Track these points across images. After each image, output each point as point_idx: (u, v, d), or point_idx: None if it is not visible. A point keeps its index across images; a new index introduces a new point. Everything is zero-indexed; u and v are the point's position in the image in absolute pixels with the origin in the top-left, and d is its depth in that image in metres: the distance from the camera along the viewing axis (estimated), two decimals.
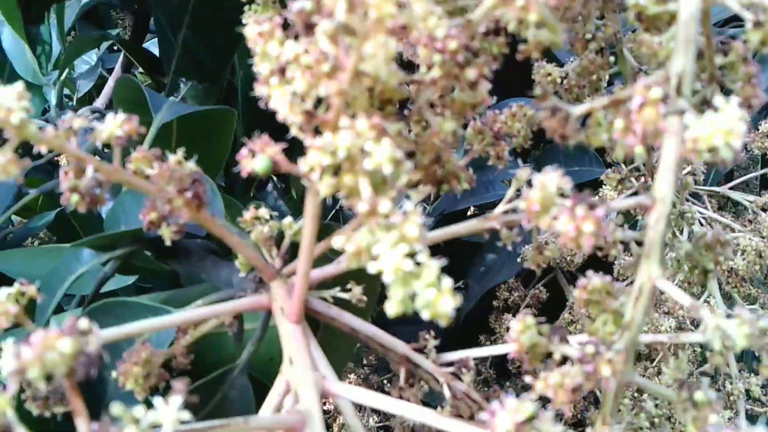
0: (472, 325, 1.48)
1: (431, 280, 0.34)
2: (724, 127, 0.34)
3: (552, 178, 0.41)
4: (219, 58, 1.31)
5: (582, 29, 0.72)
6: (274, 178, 2.09)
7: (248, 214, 0.60)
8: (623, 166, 0.97)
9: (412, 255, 0.35)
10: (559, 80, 0.74)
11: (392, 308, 0.35)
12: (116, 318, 0.60)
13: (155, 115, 0.81)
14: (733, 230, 1.12)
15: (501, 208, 0.55)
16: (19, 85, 0.41)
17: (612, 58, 0.73)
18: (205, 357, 0.60)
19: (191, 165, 0.50)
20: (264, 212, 0.61)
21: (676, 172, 0.39)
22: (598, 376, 0.40)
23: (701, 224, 1.16)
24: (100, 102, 1.68)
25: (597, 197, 1.20)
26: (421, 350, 0.58)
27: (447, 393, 0.56)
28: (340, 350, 0.65)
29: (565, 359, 0.45)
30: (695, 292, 1.08)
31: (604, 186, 1.14)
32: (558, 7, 0.38)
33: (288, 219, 0.61)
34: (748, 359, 1.37)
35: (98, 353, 0.31)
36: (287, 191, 2.01)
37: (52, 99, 1.17)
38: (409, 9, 0.34)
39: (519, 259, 1.26)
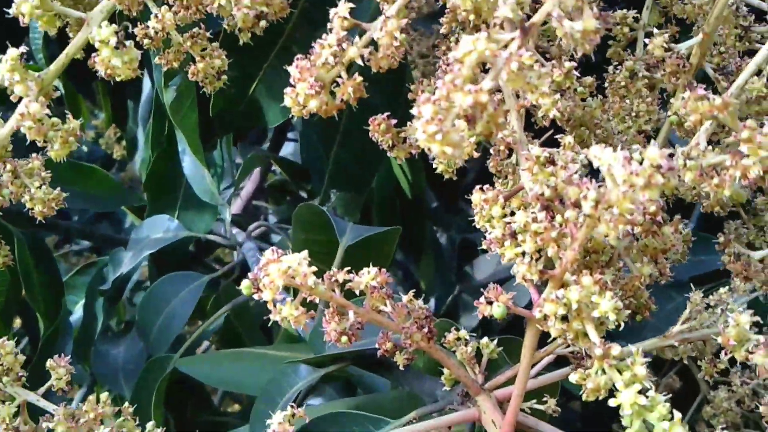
0: (605, 412, 1.52)
1: (665, 413, 0.43)
2: None
3: (746, 317, 0.50)
4: (367, 171, 1.44)
5: None
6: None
7: (451, 336, 0.70)
8: None
9: (643, 391, 0.44)
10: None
11: None
12: (340, 426, 0.70)
13: (341, 239, 0.92)
14: None
15: (678, 327, 0.63)
16: (305, 253, 0.52)
17: None
18: None
19: (420, 303, 0.60)
20: (464, 333, 0.70)
21: None
22: None
23: None
24: (237, 206, 1.83)
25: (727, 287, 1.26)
26: None
27: None
28: None
29: None
30: None
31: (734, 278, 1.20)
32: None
33: (485, 339, 0.70)
34: None
35: None
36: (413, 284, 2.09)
37: (227, 216, 1.32)
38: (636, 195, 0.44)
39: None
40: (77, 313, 1.60)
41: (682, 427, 0.43)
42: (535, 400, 0.68)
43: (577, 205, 0.44)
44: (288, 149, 2.16)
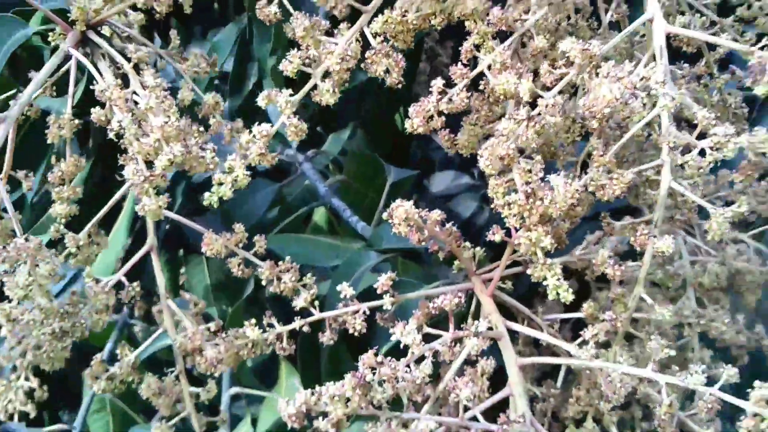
0: None
1: (566, 288, 1.05)
2: None
3: (606, 252, 1.12)
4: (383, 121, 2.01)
5: None
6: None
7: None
8: None
9: (557, 277, 1.06)
10: None
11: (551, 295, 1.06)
12: (397, 288, 1.30)
13: (388, 177, 1.52)
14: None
15: (579, 252, 1.26)
16: (410, 202, 1.12)
17: None
18: None
19: (455, 228, 1.20)
20: (467, 244, 1.31)
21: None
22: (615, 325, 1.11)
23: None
24: None
25: None
26: (534, 313, 1.29)
27: (545, 329, 1.26)
28: None
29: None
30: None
31: None
32: None
33: (478, 248, 1.31)
34: None
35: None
36: None
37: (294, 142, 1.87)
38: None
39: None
40: None
41: (571, 295, 1.05)
42: (500, 282, 1.30)
43: (540, 198, 1.05)
44: None
